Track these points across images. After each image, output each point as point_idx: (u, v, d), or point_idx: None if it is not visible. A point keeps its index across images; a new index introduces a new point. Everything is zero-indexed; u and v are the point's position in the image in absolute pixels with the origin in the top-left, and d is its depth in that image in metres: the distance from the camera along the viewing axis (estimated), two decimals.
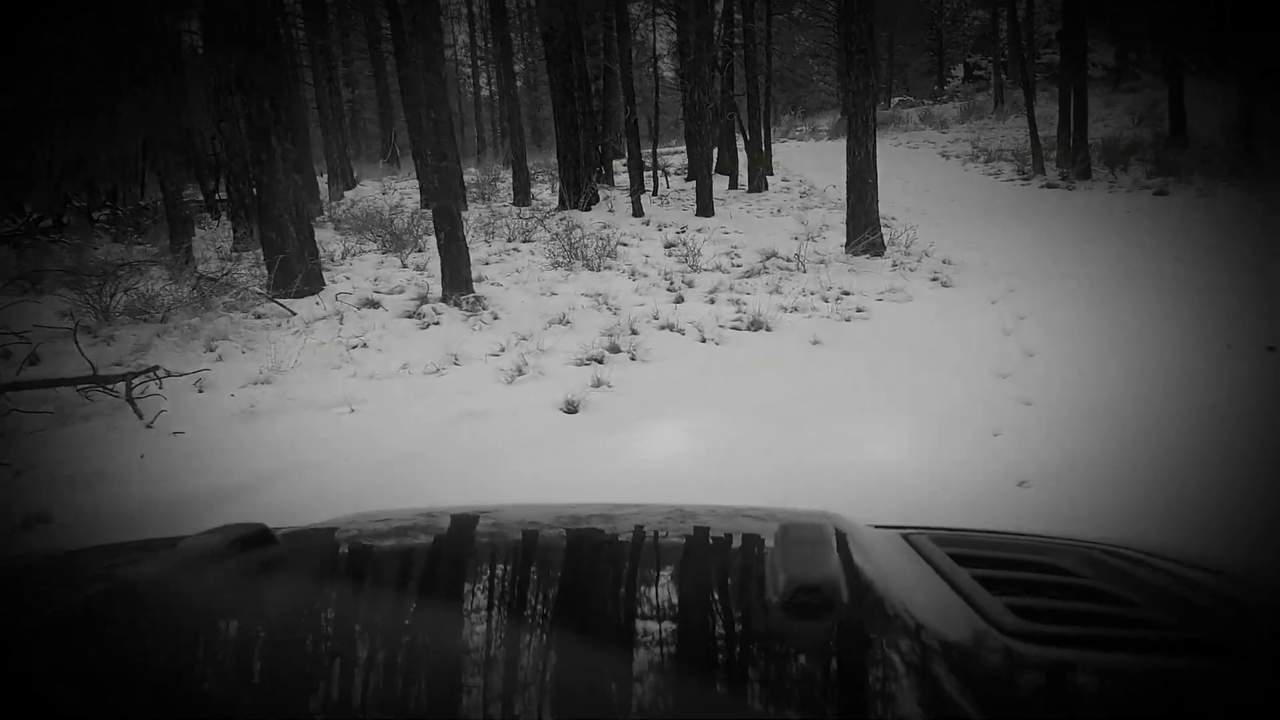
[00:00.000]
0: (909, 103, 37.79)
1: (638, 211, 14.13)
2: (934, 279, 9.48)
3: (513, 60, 16.74)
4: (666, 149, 24.03)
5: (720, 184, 18.31)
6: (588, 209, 14.61)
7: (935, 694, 0.77)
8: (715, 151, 20.31)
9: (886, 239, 10.98)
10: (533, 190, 17.01)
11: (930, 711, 0.74)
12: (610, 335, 7.21)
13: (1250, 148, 17.40)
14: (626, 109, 14.57)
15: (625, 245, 11.96)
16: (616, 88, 15.96)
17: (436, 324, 7.78)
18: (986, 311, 8.12)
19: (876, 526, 1.40)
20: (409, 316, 8.01)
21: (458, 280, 8.35)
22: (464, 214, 14.70)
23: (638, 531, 1.46)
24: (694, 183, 18.01)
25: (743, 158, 19.07)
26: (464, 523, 1.53)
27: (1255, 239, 10.32)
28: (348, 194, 19.50)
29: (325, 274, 9.56)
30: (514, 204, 16.04)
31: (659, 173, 17.41)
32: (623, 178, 17.95)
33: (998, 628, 0.88)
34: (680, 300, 8.68)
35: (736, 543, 1.40)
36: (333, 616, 1.03)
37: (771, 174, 19.69)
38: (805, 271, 9.70)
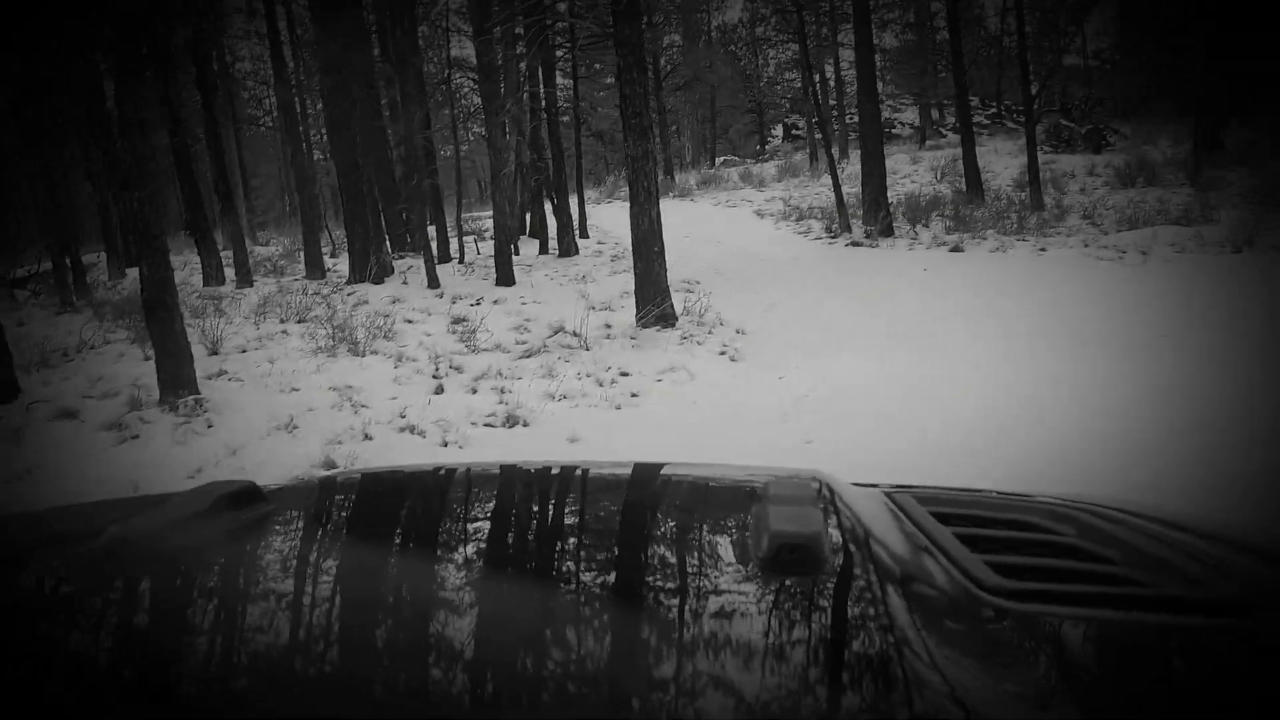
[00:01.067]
0: (732, 162, 38.13)
1: (433, 283, 13.08)
2: (722, 352, 8.83)
3: (298, 125, 15.47)
4: (484, 213, 23.13)
5: (531, 249, 17.48)
6: (379, 281, 13.48)
7: (915, 650, 0.76)
8: (528, 215, 19.52)
9: (682, 307, 10.30)
10: (336, 261, 15.83)
11: (910, 668, 0.73)
12: (338, 443, 6.16)
13: (1040, 203, 17.76)
14: (416, 175, 13.51)
15: (411, 322, 10.93)
16: (417, 152, 14.91)
17: (136, 437, 6.53)
18: (770, 391, 7.47)
19: (861, 484, 1.42)
20: (110, 428, 6.73)
21: (177, 380, 7.14)
22: (246, 291, 13.55)
23: (625, 487, 1.48)
24: (511, 246, 17.22)
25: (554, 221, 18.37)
26: (452, 477, 1.60)
27: (1039, 292, 10.13)
28: (131, 272, 17.75)
29: (38, 373, 8.18)
30: (306, 278, 14.78)
31: (463, 239, 16.41)
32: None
33: (979, 585, 0.89)
34: (440, 391, 7.71)
35: (723, 499, 1.42)
36: (319, 571, 1.03)
37: (586, 237, 18.98)
38: (589, 349, 8.88)
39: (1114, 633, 0.84)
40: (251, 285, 14.12)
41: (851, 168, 29.00)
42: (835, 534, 1.06)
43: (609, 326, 9.85)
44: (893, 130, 41.13)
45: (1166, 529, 1.18)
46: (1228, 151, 22.77)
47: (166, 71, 13.19)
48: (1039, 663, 0.82)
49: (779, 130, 42.02)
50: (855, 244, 15.99)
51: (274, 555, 1.08)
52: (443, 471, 1.63)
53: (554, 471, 1.61)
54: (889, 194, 21.73)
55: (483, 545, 1.14)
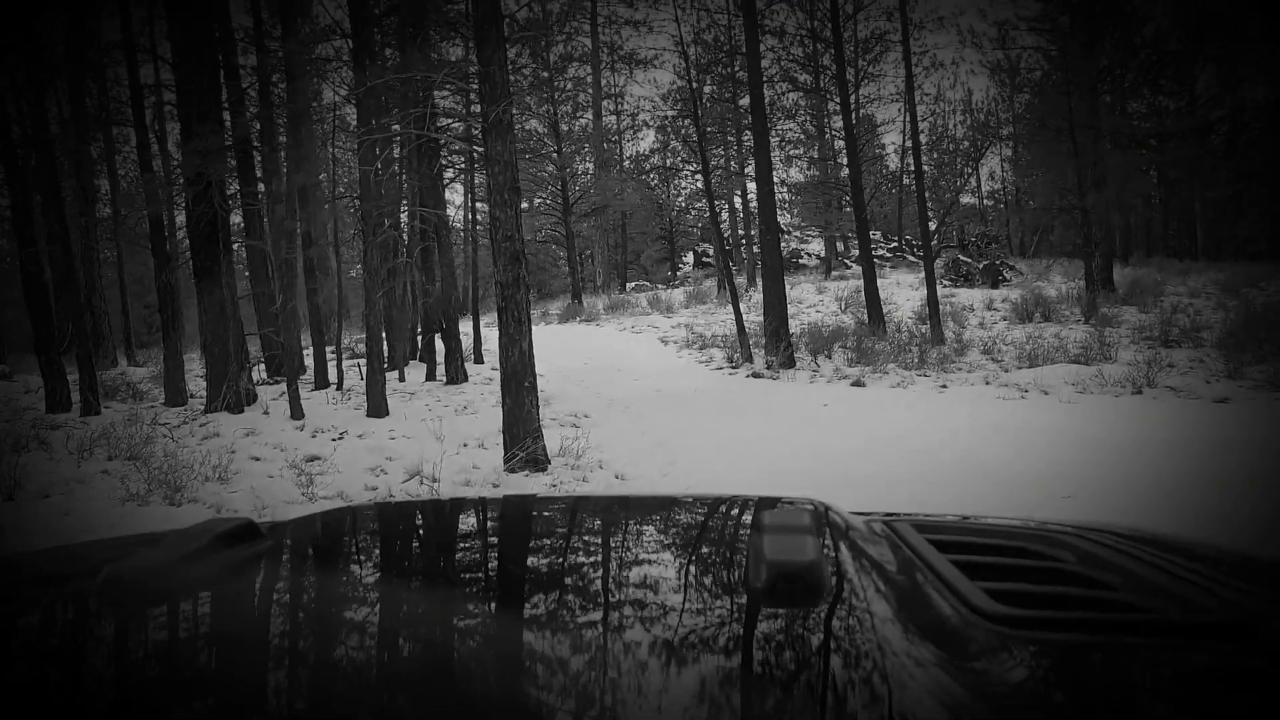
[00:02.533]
0: (644, 287, 37.76)
1: (296, 413, 11.74)
2: None
3: (163, 236, 14.21)
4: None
5: (419, 374, 16.26)
6: (239, 410, 12.08)
7: (914, 678, 0.76)
8: (420, 339, 18.37)
9: (560, 445, 9.17)
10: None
11: (909, 696, 0.72)
12: None
13: (941, 337, 17.29)
14: (283, 295, 12.30)
15: (257, 459, 9.55)
16: (294, 269, 13.73)
17: None
18: None
19: (859, 514, 1.41)
20: None
21: None
22: (91, 420, 12.01)
23: (622, 518, 1.46)
24: (396, 372, 15.95)
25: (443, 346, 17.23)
26: (448, 511, 1.60)
27: (947, 435, 9.28)
28: None
29: None
30: (165, 404, 13.29)
31: (342, 364, 15.11)
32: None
33: (977, 612, 0.88)
34: None
35: (721, 529, 1.41)
36: (314, 609, 1.02)
37: (481, 362, 17.87)
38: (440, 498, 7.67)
39: (1114, 658, 0.82)
40: (99, 413, 12.57)
41: (758, 295, 28.70)
42: (833, 563, 1.04)
43: (476, 468, 8.64)
44: (800, 260, 41.53)
45: (1164, 553, 1.17)
46: (1118, 291, 22.95)
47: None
48: (1039, 689, 0.80)
49: (690, 257, 42.01)
50: (756, 375, 15.19)
51: (268, 592, 1.07)
52: (445, 507, 1.62)
53: (554, 505, 1.60)
54: (793, 324, 21.22)
55: (479, 578, 1.13)
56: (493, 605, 1.00)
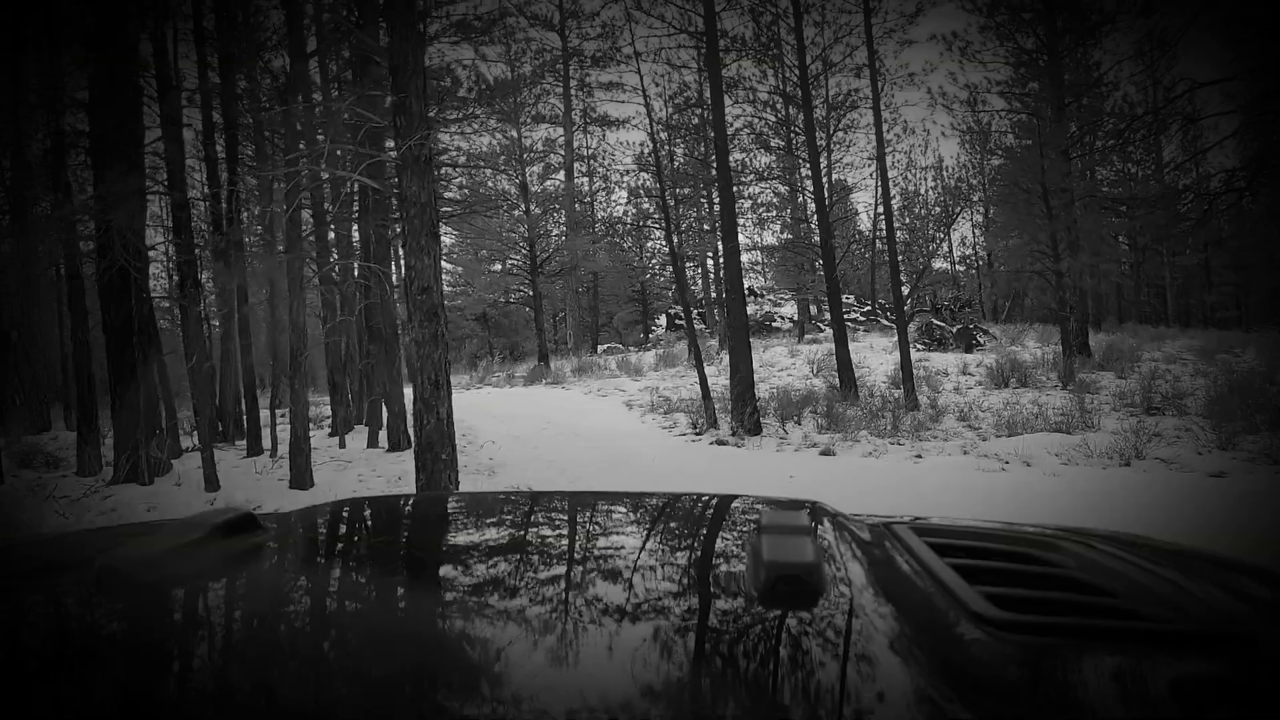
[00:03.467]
0: (615, 350, 36.74)
1: (211, 485, 10.49)
2: None
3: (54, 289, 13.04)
4: (318, 398, 20.71)
5: (359, 440, 15.01)
6: (148, 482, 10.81)
7: (912, 683, 0.75)
8: (366, 403, 17.13)
9: None
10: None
11: (906, 700, 0.72)
12: None
13: (915, 402, 16.27)
14: (192, 358, 11.13)
15: None
16: (231, 328, 12.61)
17: None
18: None
19: (858, 516, 1.40)
20: None
21: None
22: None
23: (623, 515, 1.44)
24: (339, 438, 14.71)
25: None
26: (447, 505, 1.60)
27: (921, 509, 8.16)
28: None
29: None
30: (77, 473, 12.00)
31: (275, 428, 13.86)
32: (282, 431, 14.39)
33: (975, 617, 0.87)
34: None
35: (721, 530, 1.37)
36: (311, 599, 1.00)
37: None
38: None
39: (1113, 666, 0.81)
40: (1, 482, 11.27)
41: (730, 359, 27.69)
42: (832, 565, 1.03)
43: None
44: (773, 323, 40.69)
45: (1165, 559, 1.15)
46: (1094, 356, 22.08)
47: None
48: (1037, 695, 0.79)
49: (663, 320, 41.08)
50: (719, 442, 14.04)
51: (266, 583, 1.05)
52: (441, 499, 1.73)
53: (550, 500, 1.59)
54: (762, 388, 20.14)
55: (478, 572, 1.10)
56: (492, 600, 0.95)
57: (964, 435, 13.47)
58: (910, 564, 1.09)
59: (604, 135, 35.56)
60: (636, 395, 21.09)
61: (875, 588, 0.98)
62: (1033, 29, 21.58)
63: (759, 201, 34.35)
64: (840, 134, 35.43)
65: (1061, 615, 0.89)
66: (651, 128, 17.21)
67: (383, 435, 14.84)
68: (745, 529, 1.23)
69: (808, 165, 25.21)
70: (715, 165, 16.40)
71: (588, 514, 1.45)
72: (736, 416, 14.84)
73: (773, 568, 0.87)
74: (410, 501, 1.59)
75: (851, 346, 27.72)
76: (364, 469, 12.60)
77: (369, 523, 1.44)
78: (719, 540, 1.28)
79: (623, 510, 1.45)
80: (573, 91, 34.63)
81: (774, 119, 34.00)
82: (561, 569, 1.10)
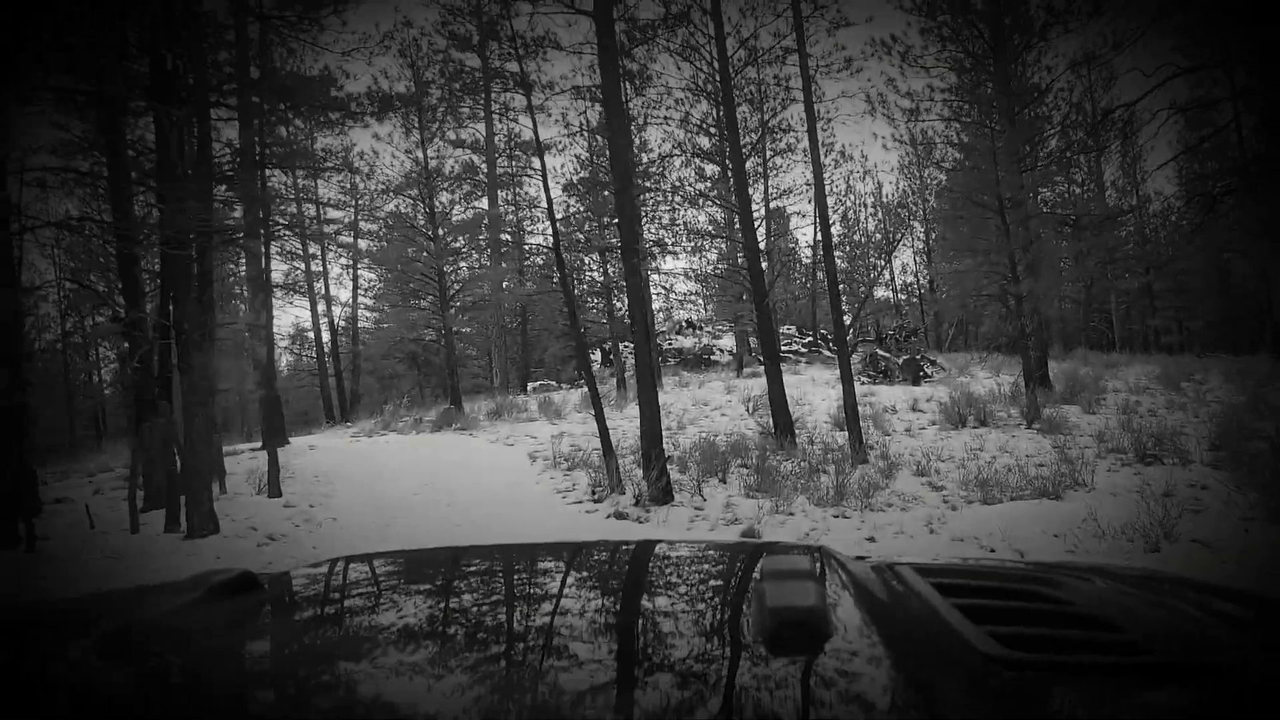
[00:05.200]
0: (548, 387, 33.20)
1: None
2: None
3: None
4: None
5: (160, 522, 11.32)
6: None
7: None
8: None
9: None
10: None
11: None
12: None
13: (862, 454, 13.03)
14: None
15: None
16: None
17: None
18: None
19: (861, 559, 1.33)
20: None
21: None
22: None
23: (625, 564, 1.41)
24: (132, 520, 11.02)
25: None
26: (446, 560, 1.51)
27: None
28: None
29: None
30: None
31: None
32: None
33: (982, 657, 0.84)
34: None
35: (727, 575, 1.32)
36: (310, 661, 0.97)
37: (278, 494, 13.01)
38: None
39: (1118, 703, 0.78)
40: None
41: (665, 396, 24.34)
42: (837, 609, 1.01)
43: None
44: (712, 356, 37.50)
45: (1173, 593, 1.13)
46: (1054, 388, 19.10)
47: None
48: None
49: (598, 354, 37.70)
50: (620, 515, 10.60)
51: (267, 643, 1.03)
52: (442, 554, 1.55)
53: (556, 553, 1.53)
54: (690, 431, 16.81)
55: (479, 627, 1.06)
56: (491, 656, 0.93)
57: (925, 500, 10.21)
58: (916, 605, 1.04)
59: (528, 161, 32.18)
60: (546, 443, 17.63)
61: (881, 629, 0.96)
62: (978, 30, 18.74)
63: (692, 228, 31.14)
64: (776, 159, 32.63)
65: (1068, 653, 0.85)
66: (550, 209, 13.80)
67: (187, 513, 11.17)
68: (751, 576, 1.19)
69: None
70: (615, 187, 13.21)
71: (604, 563, 1.40)
72: (647, 474, 11.45)
73: (778, 613, 0.84)
74: (413, 557, 1.54)
75: (792, 380, 24.58)
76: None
77: (368, 581, 1.37)
78: (724, 589, 1.22)
79: (614, 563, 1.42)
80: (494, 114, 31.38)
81: (708, 144, 31.09)
82: (560, 626, 1.03)
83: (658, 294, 34.92)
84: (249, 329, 18.87)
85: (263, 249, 19.15)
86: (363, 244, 30.28)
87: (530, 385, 33.60)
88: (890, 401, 19.39)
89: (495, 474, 14.57)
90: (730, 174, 18.15)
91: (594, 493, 11.78)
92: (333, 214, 33.91)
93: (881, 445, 14.06)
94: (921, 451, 13.27)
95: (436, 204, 25.26)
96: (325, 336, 34.53)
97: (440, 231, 24.29)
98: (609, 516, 10.59)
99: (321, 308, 34.28)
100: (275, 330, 42.05)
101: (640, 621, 1.06)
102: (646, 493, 10.82)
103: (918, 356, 25.78)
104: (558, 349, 39.45)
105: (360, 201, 30.66)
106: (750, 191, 17.49)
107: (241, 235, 16.96)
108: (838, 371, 27.24)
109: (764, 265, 18.54)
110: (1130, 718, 0.78)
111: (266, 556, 9.41)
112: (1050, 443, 13.50)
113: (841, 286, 45.04)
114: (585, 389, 29.76)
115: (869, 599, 1.09)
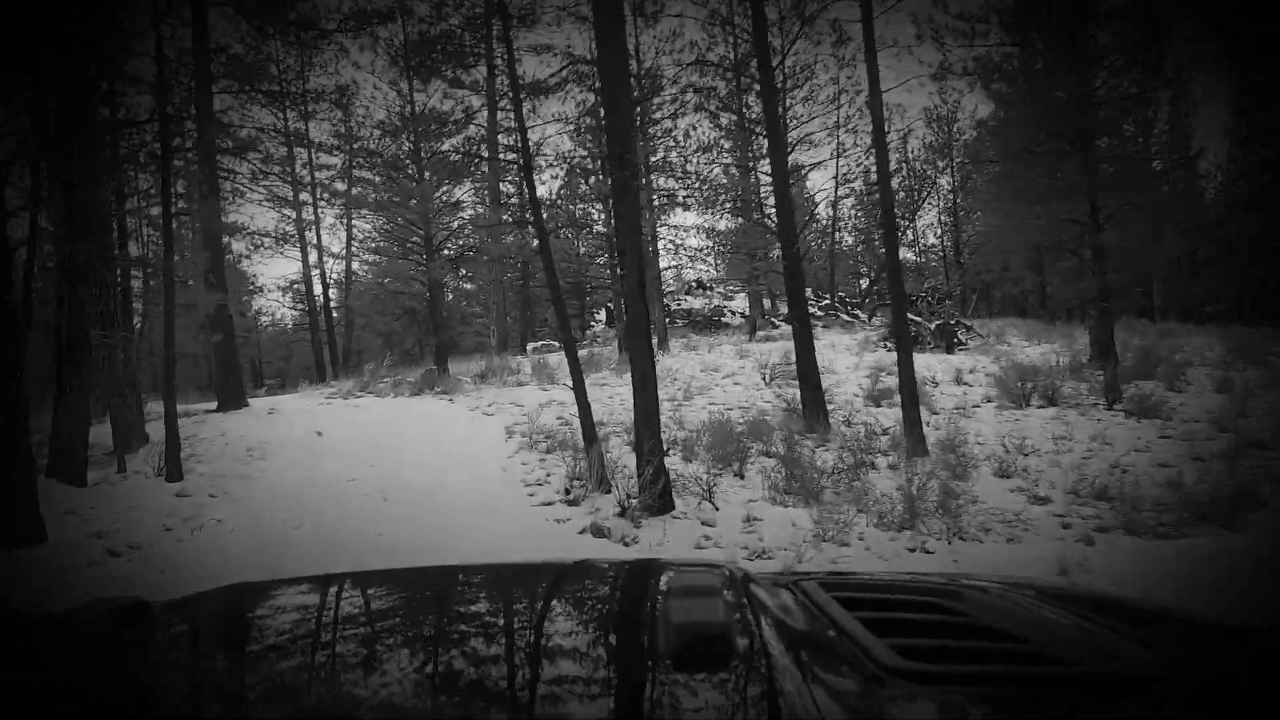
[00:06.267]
0: (550, 348, 29.89)
1: None
2: None
3: None
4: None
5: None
6: None
7: None
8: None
9: None
10: None
11: None
12: None
13: (921, 445, 9.73)
14: None
15: None
16: None
17: None
18: None
19: (767, 574, 1.30)
20: None
21: None
22: None
23: (529, 583, 1.35)
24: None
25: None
26: (348, 585, 1.40)
27: None
28: None
29: None
30: None
31: None
32: None
33: (884, 669, 0.82)
34: None
35: (631, 592, 1.29)
36: (204, 689, 0.92)
37: (178, 478, 9.80)
38: None
39: (1017, 712, 0.77)
40: None
41: (671, 362, 21.06)
42: (741, 624, 0.98)
43: None
44: (723, 319, 34.03)
45: (1073, 607, 1.11)
46: (1122, 361, 15.64)
47: None
48: None
49: (603, 314, 34.36)
50: (598, 530, 7.27)
51: (160, 673, 0.97)
52: (342, 582, 1.40)
53: (457, 576, 1.45)
54: (698, 405, 13.50)
55: (380, 654, 0.99)
56: (387, 684, 0.87)
57: (1032, 521, 6.89)
58: (818, 619, 1.02)
59: (535, 107, 28.66)
60: (529, 412, 14.38)
61: (786, 644, 0.93)
62: None
63: (705, 179, 27.62)
64: (796, 107, 29.03)
65: (970, 663, 0.84)
66: (523, 136, 10.41)
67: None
68: (657, 593, 1.13)
69: (763, 134, 18.76)
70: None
71: (491, 587, 1.33)
72: (640, 469, 8.17)
73: (684, 630, 0.81)
74: (308, 584, 1.36)
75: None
76: None
77: (264, 609, 1.26)
78: (630, 605, 1.18)
79: (521, 582, 1.37)
80: (495, 51, 27.73)
81: (724, 89, 27.49)
82: (464, 649, 0.98)
83: (666, 250, 31.38)
84: (207, 274, 15.62)
85: (218, 179, 15.88)
86: (355, 191, 27.01)
87: (531, 345, 30.29)
88: (928, 372, 16.00)
89: (459, 453, 11.34)
90: (757, 84, 14.65)
91: (569, 491, 8.51)
92: (325, 159, 30.72)
93: (936, 428, 10.77)
94: (993, 439, 9.97)
95: (428, 148, 21.82)
96: (317, 290, 31.27)
97: (426, 175, 20.86)
98: (584, 531, 7.31)
99: (314, 259, 30.99)
100: (267, 282, 38.81)
101: (545, 641, 1.00)
102: (638, 499, 7.53)
103: (951, 322, 22.34)
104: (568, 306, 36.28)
105: (355, 146, 27.28)
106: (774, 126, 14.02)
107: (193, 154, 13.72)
108: (860, 337, 23.80)
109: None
110: None
111: (84, 584, 6.22)
112: (1155, 431, 10.16)
113: (860, 248, 41.42)
114: (589, 350, 26.52)
115: (773, 614, 1.03)
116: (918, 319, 23.34)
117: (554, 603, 1.25)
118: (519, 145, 10.54)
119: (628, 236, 8.00)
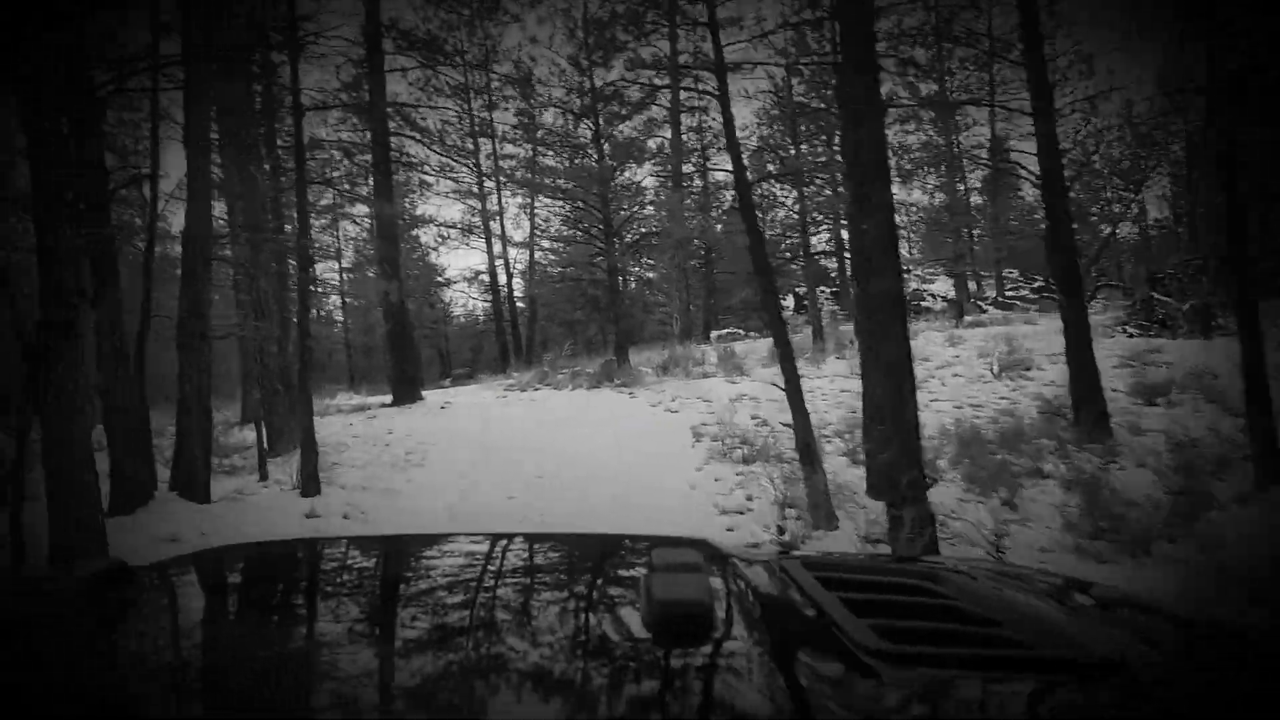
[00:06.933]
0: (735, 336, 27.58)
1: None
2: None
3: None
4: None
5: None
6: None
7: (797, 714, 0.71)
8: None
9: None
10: None
11: None
12: None
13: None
14: None
15: None
16: None
17: None
18: None
19: (749, 552, 1.26)
20: None
21: None
22: None
23: (512, 555, 1.31)
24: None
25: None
26: (329, 549, 1.38)
27: None
28: None
29: None
30: None
31: None
32: None
33: (863, 650, 0.81)
34: None
35: (612, 568, 1.26)
36: (185, 650, 0.90)
37: (318, 492, 8.36)
38: None
39: (993, 694, 0.76)
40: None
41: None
42: (723, 601, 0.95)
43: None
44: (922, 303, 30.55)
45: (1047, 591, 1.10)
46: None
47: None
48: None
49: (790, 300, 31.69)
50: None
51: (140, 635, 0.94)
52: (319, 545, 1.41)
53: (435, 544, 1.41)
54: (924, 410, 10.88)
55: (358, 617, 0.97)
56: (373, 646, 0.85)
57: None
58: (798, 598, 0.98)
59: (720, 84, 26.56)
60: (719, 409, 12.26)
61: (767, 622, 0.92)
62: None
63: (903, 146, 24.27)
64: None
65: (947, 645, 0.81)
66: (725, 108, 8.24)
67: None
68: (638, 569, 1.09)
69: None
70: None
71: (487, 554, 1.28)
72: (882, 492, 5.79)
73: (665, 605, 0.78)
74: (287, 547, 1.42)
75: (1026, 331, 17.99)
76: None
77: (243, 570, 1.23)
78: (610, 581, 1.13)
79: (502, 554, 1.28)
80: (679, 30, 25.71)
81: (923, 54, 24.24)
82: (450, 609, 0.95)
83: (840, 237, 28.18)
84: (382, 263, 14.53)
85: (390, 164, 14.74)
86: (537, 178, 25.83)
87: (715, 334, 28.15)
88: (1193, 362, 12.37)
89: (641, 462, 9.38)
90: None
91: (781, 530, 6.25)
92: (509, 150, 29.85)
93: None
94: None
95: (608, 129, 20.11)
96: (502, 280, 30.50)
97: (606, 147, 19.12)
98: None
99: (498, 250, 30.22)
100: (455, 274, 38.70)
101: (526, 613, 0.95)
102: (913, 535, 5.15)
103: (1209, 302, 18.19)
104: (747, 294, 33.70)
105: (537, 133, 25.98)
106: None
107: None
108: (1093, 320, 20.06)
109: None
110: (1004, 708, 0.74)
111: None
112: None
113: (1074, 225, 36.53)
114: (773, 338, 24.15)
115: (756, 593, 1.02)
116: (1166, 298, 19.35)
117: (531, 574, 1.17)
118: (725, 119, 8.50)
119: (871, 172, 5.53)
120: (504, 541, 1.38)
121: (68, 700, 0.74)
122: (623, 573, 1.20)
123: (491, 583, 1.12)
